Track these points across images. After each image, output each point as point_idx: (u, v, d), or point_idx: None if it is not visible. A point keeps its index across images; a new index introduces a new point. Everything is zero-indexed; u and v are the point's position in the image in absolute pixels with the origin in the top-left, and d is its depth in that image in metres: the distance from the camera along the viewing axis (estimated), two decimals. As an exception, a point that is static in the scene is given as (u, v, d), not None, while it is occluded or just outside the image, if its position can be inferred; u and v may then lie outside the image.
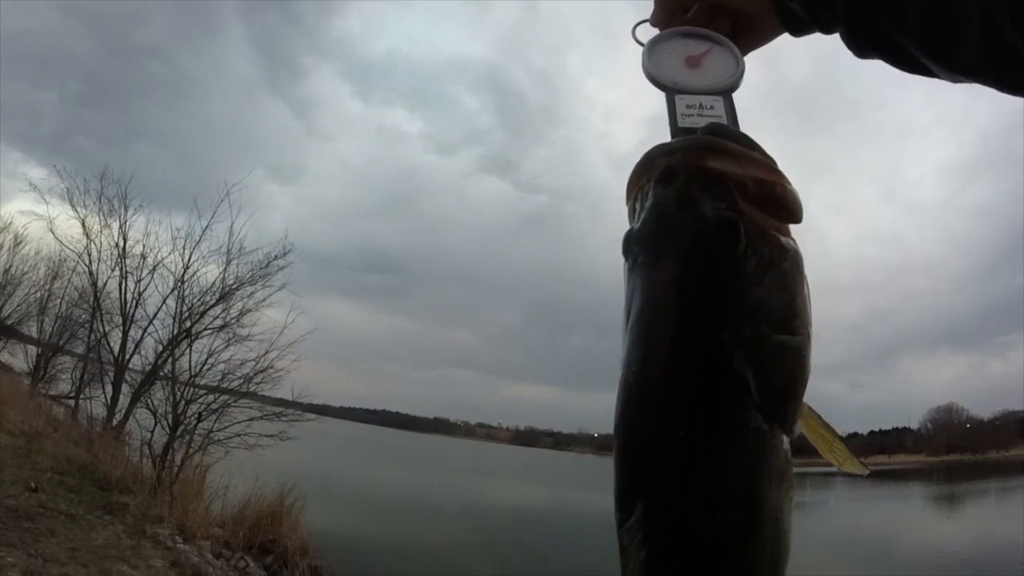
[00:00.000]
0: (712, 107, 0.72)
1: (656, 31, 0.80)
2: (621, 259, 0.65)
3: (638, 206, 0.61)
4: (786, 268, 0.58)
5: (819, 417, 0.67)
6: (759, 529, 0.54)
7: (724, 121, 0.70)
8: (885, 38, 0.66)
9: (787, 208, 0.60)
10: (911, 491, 42.50)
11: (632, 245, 0.60)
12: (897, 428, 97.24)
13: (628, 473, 0.58)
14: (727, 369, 0.54)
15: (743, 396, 0.54)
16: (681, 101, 0.72)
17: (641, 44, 0.78)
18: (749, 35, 0.78)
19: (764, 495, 0.54)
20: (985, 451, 74.76)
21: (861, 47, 0.69)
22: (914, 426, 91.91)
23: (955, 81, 0.64)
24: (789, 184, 0.60)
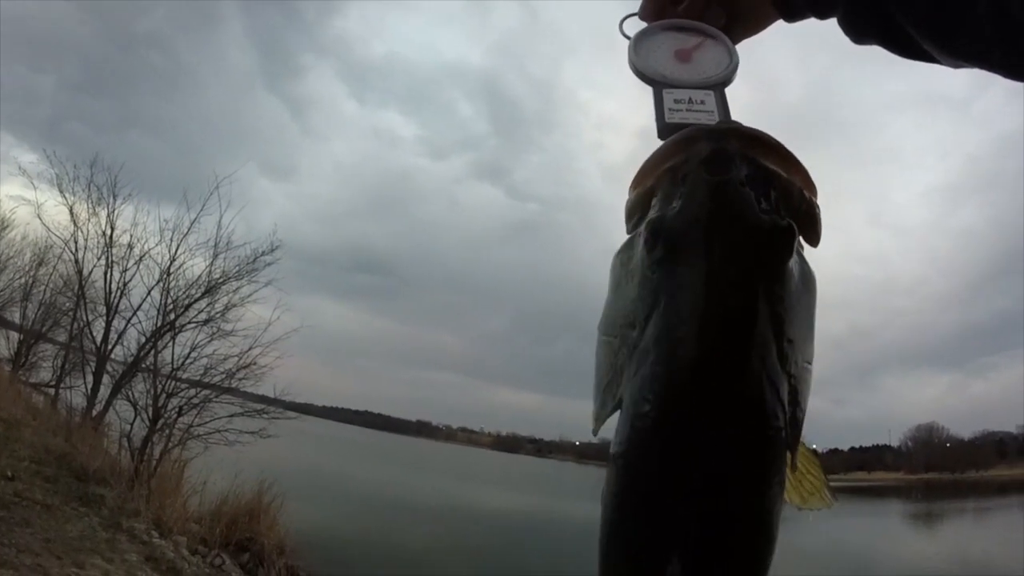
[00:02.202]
0: (703, 101, 0.67)
1: (645, 25, 0.76)
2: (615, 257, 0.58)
3: (661, 193, 0.53)
4: (812, 290, 0.54)
5: (802, 442, 0.60)
6: (768, 567, 0.50)
7: (716, 116, 0.66)
8: (886, 21, 0.63)
9: (816, 230, 0.55)
10: (889, 508, 42.75)
11: (663, 238, 0.50)
12: (877, 445, 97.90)
13: (655, 523, 0.49)
14: (777, 399, 0.48)
15: (783, 430, 0.49)
16: (669, 95, 0.68)
17: (629, 38, 0.73)
18: (743, 24, 0.75)
19: (777, 534, 0.50)
20: (964, 470, 75.29)
21: (859, 32, 0.66)
22: (894, 444, 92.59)
23: (956, 67, 0.62)
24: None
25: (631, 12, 0.77)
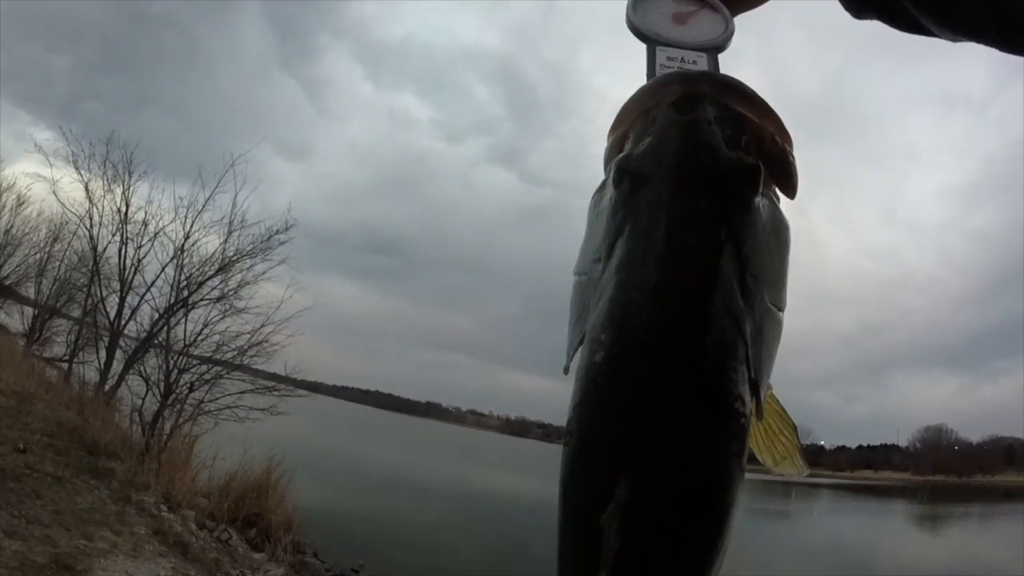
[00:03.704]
0: (695, 62, 0.67)
1: None
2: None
3: (634, 134, 0.54)
4: (783, 237, 0.54)
5: (776, 400, 0.59)
6: (732, 512, 0.48)
7: None
8: None
9: (791, 178, 0.55)
10: (894, 508, 42.63)
11: (630, 172, 0.51)
12: (885, 444, 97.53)
13: (605, 447, 0.48)
14: (737, 330, 0.48)
15: (743, 365, 0.48)
16: (662, 53, 0.68)
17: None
18: None
19: (739, 478, 0.48)
20: (971, 474, 74.99)
21: (858, 7, 0.67)
22: (903, 444, 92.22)
23: (955, 40, 0.63)
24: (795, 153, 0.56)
25: None
